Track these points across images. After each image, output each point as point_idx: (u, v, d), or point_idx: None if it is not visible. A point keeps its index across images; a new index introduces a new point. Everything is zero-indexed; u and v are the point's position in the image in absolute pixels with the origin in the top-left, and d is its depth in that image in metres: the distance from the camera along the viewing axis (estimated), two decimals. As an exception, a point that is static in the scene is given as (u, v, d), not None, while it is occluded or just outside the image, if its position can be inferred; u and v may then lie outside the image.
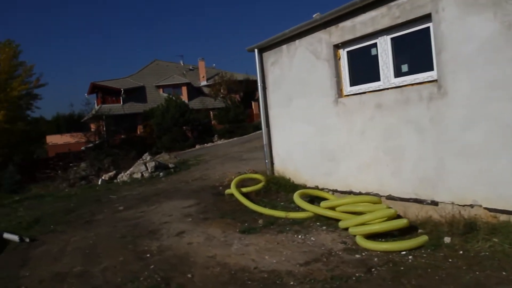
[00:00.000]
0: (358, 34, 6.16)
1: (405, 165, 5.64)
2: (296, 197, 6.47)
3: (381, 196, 6.05)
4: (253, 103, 37.86)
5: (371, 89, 6.20)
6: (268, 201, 7.43)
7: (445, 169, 5.14)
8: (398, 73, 5.83)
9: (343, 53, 6.65)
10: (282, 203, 7.22)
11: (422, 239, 4.53)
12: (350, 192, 6.63)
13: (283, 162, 8.26)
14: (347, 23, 6.30)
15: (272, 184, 8.04)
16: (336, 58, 6.68)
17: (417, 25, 5.41)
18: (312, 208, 5.91)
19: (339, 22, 6.44)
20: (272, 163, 8.52)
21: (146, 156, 18.43)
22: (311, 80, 7.20)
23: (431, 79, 5.31)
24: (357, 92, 6.44)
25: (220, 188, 9.57)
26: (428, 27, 5.29)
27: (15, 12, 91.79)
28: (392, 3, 5.54)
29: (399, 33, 5.68)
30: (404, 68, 5.75)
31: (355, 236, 4.98)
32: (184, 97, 34.76)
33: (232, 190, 7.95)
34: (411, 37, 5.59)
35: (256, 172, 10.41)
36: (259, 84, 8.45)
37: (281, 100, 8.07)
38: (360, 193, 6.41)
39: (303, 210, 6.26)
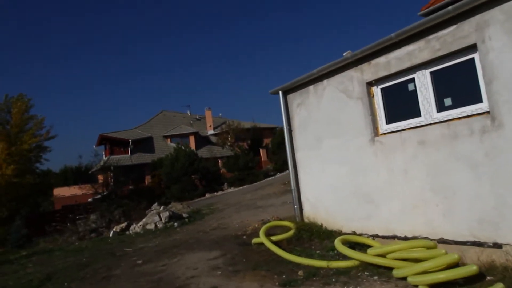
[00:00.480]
0: (393, 70, 5.97)
1: (459, 204, 5.18)
2: (338, 244, 5.93)
3: (432, 240, 5.52)
4: (260, 150, 37.77)
5: (411, 126, 5.89)
6: (302, 250, 6.86)
7: (507, 206, 4.68)
8: (440, 107, 5.55)
9: (376, 91, 6.43)
10: (318, 252, 6.64)
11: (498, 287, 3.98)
12: (393, 237, 6.09)
13: (313, 207, 7.77)
14: (381, 60, 6.14)
15: (304, 231, 7.49)
16: (370, 96, 6.45)
17: (460, 56, 5.21)
18: (359, 256, 5.36)
19: (372, 59, 6.28)
20: (301, 209, 8.03)
21: (156, 207, 17.93)
22: (343, 119, 6.93)
23: (481, 111, 5.01)
24: (395, 129, 6.13)
25: (244, 237, 9.00)
26: (473, 58, 5.09)
27: (23, 63, 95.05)
28: (431, 36, 5.38)
29: (439, 66, 5.48)
30: (447, 102, 5.48)
31: (416, 286, 4.41)
32: (192, 147, 34.69)
33: (262, 238, 7.41)
34: (453, 69, 5.37)
35: (280, 219, 9.93)
36: (285, 127, 8.19)
37: (309, 141, 7.76)
38: (406, 238, 5.88)
39: (346, 258, 5.71)
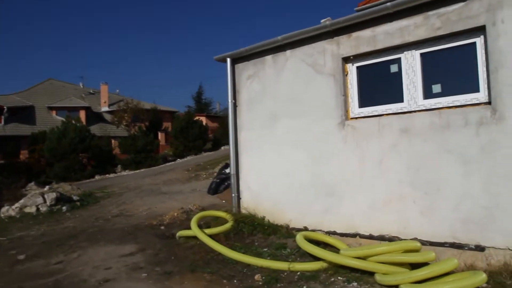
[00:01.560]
0: (379, 47, 5.22)
1: (442, 202, 4.65)
2: (301, 241, 4.98)
3: (402, 239, 4.93)
4: (159, 133, 35.30)
5: (390, 112, 5.22)
6: (245, 247, 5.73)
7: (499, 207, 4.27)
8: (427, 94, 4.98)
9: (351, 68, 5.63)
10: (265, 249, 5.58)
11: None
12: (355, 235, 5.38)
13: (255, 197, 6.68)
14: (366, 33, 5.34)
15: (243, 225, 6.36)
16: (344, 74, 5.62)
17: (461, 39, 4.67)
18: (335, 258, 4.44)
19: (354, 31, 5.45)
20: (238, 198, 6.87)
21: (33, 186, 14.84)
22: (307, 98, 5.98)
23: (477, 102, 4.53)
24: (370, 114, 5.41)
25: (162, 228, 7.48)
26: (474, 43, 4.58)
27: None
28: (432, 12, 4.74)
29: (433, 48, 4.89)
30: (436, 88, 4.93)
31: (413, 297, 3.68)
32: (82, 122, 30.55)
33: (195, 231, 6.06)
34: (448, 53, 4.82)
35: (204, 208, 8.64)
36: (229, 101, 6.91)
37: (260, 120, 6.64)
38: (371, 236, 5.22)
39: (304, 259, 4.79)
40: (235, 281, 4.51)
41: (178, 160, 26.98)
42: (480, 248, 4.37)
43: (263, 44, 6.39)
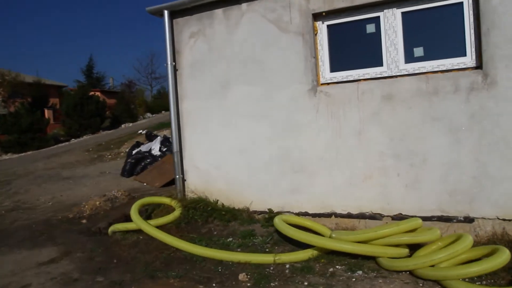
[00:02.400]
0: (357, 2, 4.61)
1: (428, 174, 4.36)
2: (283, 225, 4.25)
3: (385, 216, 4.59)
4: (46, 111, 30.74)
5: (368, 77, 4.72)
6: (204, 238, 4.80)
7: (488, 176, 4.11)
8: (408, 58, 4.57)
9: (321, 27, 4.94)
10: (230, 239, 4.73)
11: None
12: (330, 214, 4.87)
13: (205, 178, 5.70)
14: (341, -15, 4.67)
15: (195, 211, 5.38)
16: (314, 33, 4.91)
17: (448, -3, 4.30)
18: (334, 244, 3.80)
19: (327, -17, 4.74)
20: (183, 180, 5.81)
21: None
22: (270, 60, 5.14)
23: (463, 66, 4.26)
24: (345, 79, 4.84)
25: (84, 221, 6.05)
26: (461, 3, 4.26)
27: None
28: (418, -35, 4.27)
29: (416, 6, 4.45)
30: (418, 52, 4.54)
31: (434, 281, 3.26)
32: None
33: (139, 224, 4.92)
34: (432, 13, 4.44)
35: (129, 194, 7.34)
36: (169, 64, 5.67)
37: (207, 88, 5.60)
38: (350, 215, 4.76)
39: (279, 248, 4.12)
40: (214, 284, 3.59)
41: (73, 140, 23.80)
42: (468, 220, 4.20)
43: (202, -4, 5.30)
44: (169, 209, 5.58)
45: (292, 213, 5.10)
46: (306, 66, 4.92)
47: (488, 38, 4.04)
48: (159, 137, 12.82)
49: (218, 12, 5.45)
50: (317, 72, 4.93)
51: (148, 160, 11.19)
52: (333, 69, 4.94)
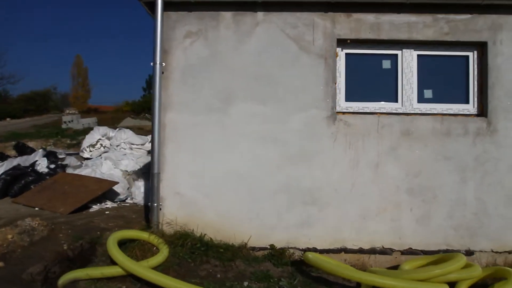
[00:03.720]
0: (383, 36, 4.66)
1: (438, 210, 4.62)
2: (327, 263, 3.76)
3: (395, 250, 4.63)
4: None
5: (384, 111, 4.78)
6: (215, 285, 3.86)
7: (486, 214, 4.62)
8: (420, 98, 4.84)
9: (341, 54, 4.81)
10: (246, 283, 3.93)
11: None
12: (341, 250, 4.63)
13: (189, 207, 4.67)
14: (369, 17, 4.66)
15: (181, 248, 4.32)
16: (335, 58, 4.73)
17: (459, 50, 4.78)
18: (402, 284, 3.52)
19: (356, 12, 4.66)
20: (157, 210, 4.62)
21: None
22: (286, 80, 4.67)
23: (467, 113, 4.77)
24: (361, 111, 4.79)
25: (9, 268, 4.12)
26: (468, 56, 4.80)
27: None
28: (441, 16, 4.63)
29: (433, 52, 4.79)
30: (427, 93, 4.86)
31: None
32: None
33: (131, 267, 3.63)
34: (443, 60, 4.85)
35: (50, 224, 5.52)
36: (157, 63, 4.52)
37: (203, 99, 4.69)
38: (360, 250, 4.62)
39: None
40: None
41: None
42: (469, 253, 4.58)
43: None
44: (143, 247, 4.32)
45: (298, 249, 4.63)
46: (326, 91, 4.66)
47: (493, 91, 4.62)
48: (41, 150, 10.17)
49: (226, 15, 4.71)
50: (335, 99, 4.73)
51: (30, 178, 8.74)
52: (348, 98, 4.83)
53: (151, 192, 4.59)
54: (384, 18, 4.66)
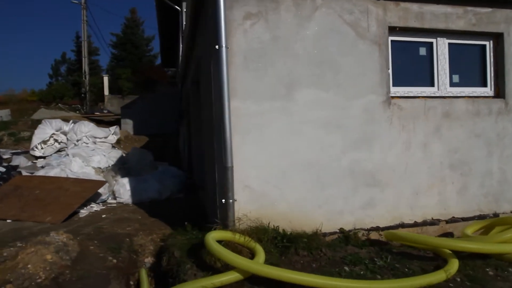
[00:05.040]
0: (426, 25, 5.01)
1: (473, 181, 5.24)
2: (432, 239, 3.98)
3: (442, 220, 5.13)
4: None
5: (424, 95, 5.18)
6: (325, 272, 3.82)
7: (506, 181, 5.39)
8: (450, 82, 5.36)
9: (388, 41, 5.03)
10: (346, 268, 3.98)
11: None
12: (398, 226, 4.95)
13: (260, 200, 4.45)
14: (413, 7, 4.94)
15: (265, 244, 4.14)
16: (388, 45, 4.94)
17: (480, 39, 5.38)
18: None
19: (402, 1, 4.90)
20: (233, 206, 4.31)
21: None
22: (345, 65, 4.71)
23: (487, 95, 5.44)
24: (406, 95, 5.11)
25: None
26: (485, 45, 5.45)
27: None
28: (470, 8, 5.16)
29: (460, 40, 5.32)
30: (455, 78, 5.40)
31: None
32: None
33: (275, 273, 3.32)
34: (466, 48, 5.42)
35: (76, 238, 4.80)
36: (223, 46, 4.14)
37: (267, 86, 4.47)
38: (415, 224, 5.01)
39: (426, 262, 3.95)
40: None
41: None
42: (496, 215, 5.31)
43: (281, -26, 4.38)
44: (230, 248, 4.00)
45: (364, 229, 4.80)
46: (381, 77, 4.84)
47: (509, 76, 5.35)
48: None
49: (287, -3, 4.52)
50: (389, 85, 4.94)
51: None
52: (395, 83, 5.09)
53: (221, 188, 4.25)
54: (426, 8, 5.00)
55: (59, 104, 20.80)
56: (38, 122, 15.62)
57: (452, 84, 5.34)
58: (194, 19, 5.73)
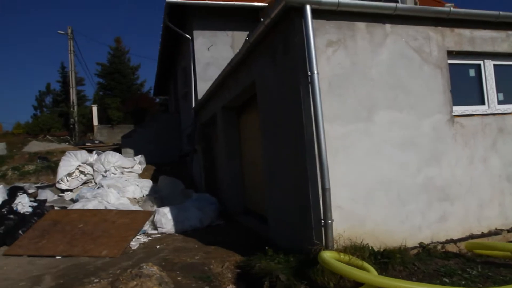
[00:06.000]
0: (477, 49, 5.46)
1: (526, 191, 5.60)
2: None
3: (504, 230, 5.43)
4: None
5: (478, 113, 5.56)
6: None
7: (553, 190, 5.80)
8: (497, 100, 5.80)
9: (447, 64, 5.42)
10: (446, 279, 4.14)
11: None
12: (469, 237, 5.20)
13: (350, 219, 4.58)
14: (466, 32, 5.39)
15: (366, 261, 4.25)
16: (448, 68, 5.32)
17: (518, 60, 5.90)
18: None
19: (457, 27, 5.33)
20: (331, 227, 4.40)
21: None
22: (414, 88, 5.03)
23: (526, 112, 5.91)
24: (463, 113, 5.46)
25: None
26: (523, 66, 5.97)
27: None
28: (510, 32, 5.67)
29: (503, 62, 5.80)
30: (500, 96, 5.84)
31: None
32: None
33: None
34: (504, 69, 5.89)
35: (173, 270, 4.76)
36: (315, 72, 4.35)
37: (350, 109, 4.69)
38: (483, 235, 5.27)
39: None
40: None
41: None
42: (547, 222, 5.68)
43: (355, 4, 4.70)
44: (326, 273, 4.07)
45: (439, 242, 5.01)
46: (445, 97, 5.20)
47: (547, 94, 5.86)
48: (1, 186, 7.97)
49: (361, 25, 4.82)
50: (451, 104, 5.29)
51: (10, 221, 7.06)
52: (453, 103, 5.45)
53: (316, 209, 4.37)
54: (476, 33, 5.46)
55: (48, 136, 20.12)
56: (36, 155, 15.10)
57: (499, 102, 5.78)
58: (253, 48, 5.92)
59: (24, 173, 12.03)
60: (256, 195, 8.04)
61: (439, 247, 4.93)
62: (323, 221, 4.35)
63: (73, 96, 21.75)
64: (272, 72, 5.45)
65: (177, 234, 7.33)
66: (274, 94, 5.49)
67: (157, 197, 8.07)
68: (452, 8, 5.14)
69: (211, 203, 8.15)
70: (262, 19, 5.09)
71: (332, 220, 4.36)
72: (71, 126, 21.20)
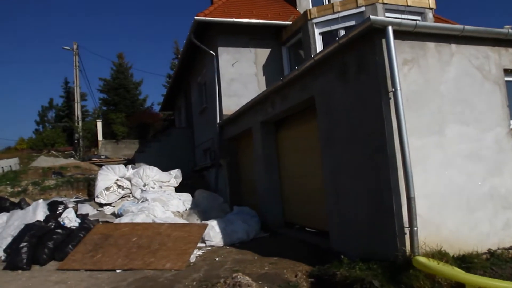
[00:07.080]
0: (526, 67, 5.87)
1: None
2: None
3: (558, 238, 5.74)
4: None
5: (527, 126, 5.95)
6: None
7: None
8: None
9: (504, 81, 5.80)
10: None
11: None
12: (529, 244, 5.49)
13: (427, 227, 4.82)
14: (517, 52, 5.81)
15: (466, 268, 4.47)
16: (505, 85, 5.69)
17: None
18: None
19: (509, 47, 5.74)
20: (417, 234, 4.61)
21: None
22: (477, 103, 5.37)
23: None
24: (514, 127, 5.84)
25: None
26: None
27: None
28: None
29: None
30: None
31: None
32: None
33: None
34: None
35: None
36: (398, 89, 4.65)
37: (424, 123, 4.99)
38: (541, 242, 5.57)
39: None
40: None
41: None
42: None
43: (430, 26, 5.05)
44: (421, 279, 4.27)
45: (505, 249, 5.27)
46: (503, 112, 5.55)
47: None
48: (41, 201, 7.91)
49: (431, 45, 5.17)
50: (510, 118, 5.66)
51: (59, 236, 7.06)
52: (509, 117, 5.83)
53: (399, 217, 4.62)
54: (524, 53, 5.88)
55: (52, 151, 19.85)
56: (50, 170, 14.92)
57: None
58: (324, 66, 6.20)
59: (45, 188, 11.90)
60: (298, 208, 8.21)
61: (505, 253, 5.19)
62: (408, 228, 4.58)
63: (77, 111, 21.62)
64: (341, 88, 5.72)
65: (227, 247, 7.41)
66: (341, 109, 5.75)
67: (200, 210, 8.14)
68: (510, 30, 5.54)
69: (253, 215, 8.27)
70: (337, 38, 5.39)
71: (417, 228, 4.59)
72: (76, 141, 21.00)
